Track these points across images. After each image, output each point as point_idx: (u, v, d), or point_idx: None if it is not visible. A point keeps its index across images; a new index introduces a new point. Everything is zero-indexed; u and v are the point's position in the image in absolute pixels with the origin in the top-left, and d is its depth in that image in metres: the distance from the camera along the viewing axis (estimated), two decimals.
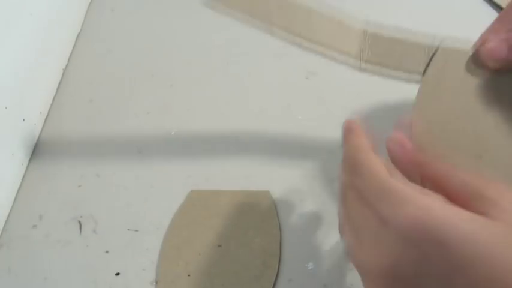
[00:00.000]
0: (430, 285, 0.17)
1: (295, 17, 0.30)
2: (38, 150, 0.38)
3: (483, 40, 0.28)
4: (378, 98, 0.44)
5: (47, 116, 0.42)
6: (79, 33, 0.52)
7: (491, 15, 0.57)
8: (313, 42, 0.30)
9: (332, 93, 0.44)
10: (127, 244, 0.32)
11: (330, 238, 0.32)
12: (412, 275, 0.18)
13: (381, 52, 0.30)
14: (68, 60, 0.48)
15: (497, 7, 0.59)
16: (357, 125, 0.28)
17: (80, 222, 0.33)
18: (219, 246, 0.31)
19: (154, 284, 0.29)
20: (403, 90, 0.32)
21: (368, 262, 0.20)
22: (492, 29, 0.29)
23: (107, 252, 0.31)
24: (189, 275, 0.29)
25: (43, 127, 0.41)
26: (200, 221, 0.32)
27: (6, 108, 0.34)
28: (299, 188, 0.35)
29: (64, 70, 0.47)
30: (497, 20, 0.29)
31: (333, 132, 0.41)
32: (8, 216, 0.33)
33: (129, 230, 0.32)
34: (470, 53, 0.28)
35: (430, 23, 0.56)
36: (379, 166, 0.22)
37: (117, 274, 0.30)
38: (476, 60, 0.27)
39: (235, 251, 0.31)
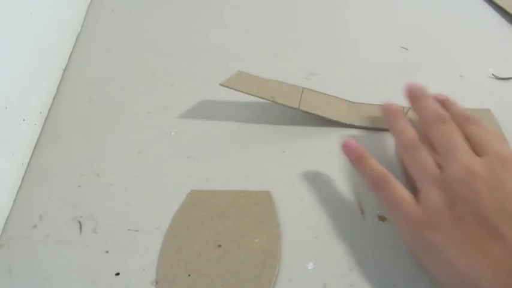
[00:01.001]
0: None
1: (291, 94, 0.40)
2: (38, 150, 0.38)
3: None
4: (378, 98, 0.44)
5: (47, 116, 0.42)
6: (79, 33, 0.52)
7: (491, 15, 0.57)
8: (309, 109, 0.40)
9: (332, 93, 0.44)
10: (127, 244, 0.32)
11: (330, 238, 0.32)
12: None
13: (363, 116, 0.41)
14: (68, 60, 0.48)
15: (497, 7, 0.59)
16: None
17: (80, 222, 0.33)
18: (219, 246, 0.31)
19: (154, 284, 0.29)
20: None
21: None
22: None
23: (107, 252, 0.31)
24: (189, 275, 0.29)
25: (43, 127, 0.41)
26: (200, 221, 0.32)
27: (6, 108, 0.34)
28: (299, 188, 0.35)
29: (64, 70, 0.47)
30: None
31: (333, 132, 0.41)
32: (8, 216, 0.33)
33: (129, 230, 0.32)
34: None
35: (430, 23, 0.56)
36: None
37: (117, 274, 0.30)
38: None
39: (235, 251, 0.31)
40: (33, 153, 0.38)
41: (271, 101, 0.39)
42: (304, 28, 0.54)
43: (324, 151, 0.38)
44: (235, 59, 0.49)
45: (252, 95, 0.39)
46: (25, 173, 0.36)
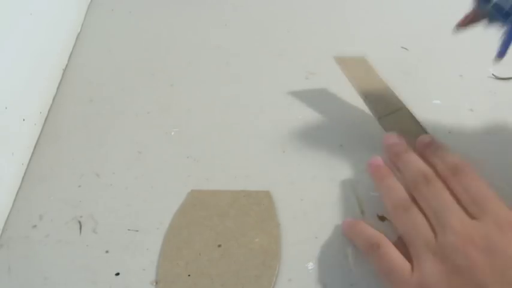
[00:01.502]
0: None
1: (387, 103, 0.39)
2: (38, 150, 0.38)
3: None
4: None
5: (47, 116, 0.42)
6: (79, 33, 0.52)
7: None
8: (389, 128, 0.38)
9: (332, 93, 0.44)
10: (127, 244, 0.32)
11: (330, 238, 0.32)
12: None
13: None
14: (68, 60, 0.48)
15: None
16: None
17: (80, 222, 0.33)
18: (219, 246, 0.31)
19: (154, 284, 0.29)
20: None
21: None
22: None
23: (107, 252, 0.31)
24: (189, 275, 0.29)
25: (43, 127, 0.41)
26: (200, 221, 0.32)
27: (6, 108, 0.34)
28: (299, 188, 0.35)
29: (64, 70, 0.47)
30: None
31: (333, 132, 0.41)
32: (8, 216, 0.33)
33: (129, 230, 0.32)
34: None
35: (430, 23, 0.56)
36: None
37: (117, 274, 0.30)
38: None
39: (235, 251, 0.31)
40: (33, 153, 0.38)
41: (363, 99, 0.38)
42: (304, 28, 0.54)
43: (324, 151, 0.38)
44: (235, 59, 0.49)
45: (351, 84, 0.38)
46: (25, 173, 0.36)
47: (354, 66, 0.40)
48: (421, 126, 0.37)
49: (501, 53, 0.31)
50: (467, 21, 0.34)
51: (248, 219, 0.32)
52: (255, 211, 0.33)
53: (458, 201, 0.27)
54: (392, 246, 0.28)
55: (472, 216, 0.26)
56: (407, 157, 0.32)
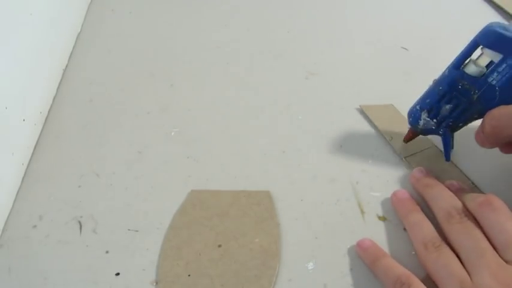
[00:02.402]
0: None
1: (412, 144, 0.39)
2: (38, 150, 0.38)
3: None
4: (378, 97, 0.44)
5: (47, 116, 0.42)
6: (79, 33, 0.52)
7: (491, 15, 0.57)
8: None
9: (332, 93, 0.44)
10: (127, 244, 0.32)
11: (330, 238, 0.32)
12: None
13: None
14: (68, 60, 0.48)
15: (498, 7, 0.59)
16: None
17: (80, 222, 0.33)
18: (219, 246, 0.31)
19: (154, 284, 0.29)
20: None
21: None
22: None
23: (107, 252, 0.31)
24: (189, 275, 0.29)
25: (43, 127, 0.41)
26: (200, 221, 0.32)
27: (6, 108, 0.34)
28: (299, 188, 0.35)
29: (64, 70, 0.47)
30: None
31: (333, 132, 0.41)
32: (8, 216, 0.33)
33: (129, 230, 0.32)
34: None
35: (430, 23, 0.56)
36: None
37: (117, 274, 0.30)
38: None
39: (235, 251, 0.31)
40: (33, 153, 0.38)
41: (388, 140, 0.39)
42: (304, 28, 0.54)
43: (324, 151, 0.38)
44: (235, 59, 0.49)
45: (377, 129, 0.40)
46: (25, 173, 0.36)
47: (380, 112, 0.41)
48: (454, 165, 0.37)
49: (447, 157, 0.36)
50: (409, 137, 0.37)
51: (248, 219, 0.32)
52: (255, 211, 0.33)
53: (491, 241, 0.26)
54: (421, 284, 0.26)
55: (505, 259, 0.25)
56: (439, 190, 0.31)
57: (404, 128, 0.38)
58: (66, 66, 0.47)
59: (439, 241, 0.27)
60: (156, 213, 0.33)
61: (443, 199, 0.30)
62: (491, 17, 0.57)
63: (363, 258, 0.30)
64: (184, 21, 0.54)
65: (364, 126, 0.41)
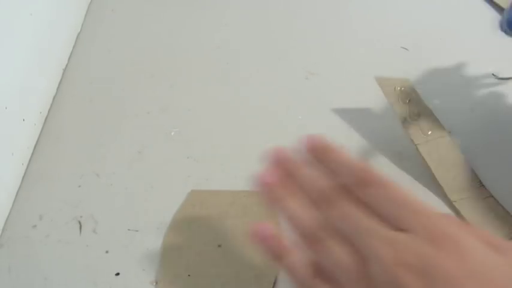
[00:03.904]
0: None
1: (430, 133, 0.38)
2: (38, 150, 0.38)
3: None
4: (378, 97, 0.44)
5: (47, 116, 0.42)
6: (79, 33, 0.52)
7: (491, 15, 0.57)
8: (425, 156, 0.37)
9: (332, 93, 0.44)
10: (127, 244, 0.32)
11: None
12: None
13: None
14: (68, 60, 0.48)
15: (497, 7, 0.59)
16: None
17: (80, 222, 0.33)
18: (219, 246, 0.31)
19: (154, 284, 0.29)
20: None
21: None
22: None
23: (107, 252, 0.31)
24: (189, 275, 0.29)
25: (43, 127, 0.41)
26: (200, 221, 0.32)
27: (6, 108, 0.34)
28: None
29: (64, 70, 0.47)
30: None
31: (333, 132, 0.41)
32: (8, 216, 0.33)
33: (129, 230, 0.32)
34: None
35: (430, 23, 0.56)
36: None
37: (117, 274, 0.30)
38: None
39: (235, 251, 0.31)
40: (33, 153, 0.38)
41: (402, 122, 0.37)
42: (304, 28, 0.54)
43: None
44: (235, 59, 0.49)
45: (391, 104, 0.38)
46: (25, 173, 0.36)
47: (395, 88, 0.39)
48: (461, 155, 0.37)
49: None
50: None
51: (248, 218, 0.32)
52: (255, 211, 0.33)
53: (378, 216, 0.21)
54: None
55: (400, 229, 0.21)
56: (300, 171, 0.25)
57: (421, 107, 0.37)
58: (66, 66, 0.47)
59: (320, 232, 0.22)
60: (156, 213, 0.33)
61: (308, 184, 0.24)
62: (492, 17, 0.57)
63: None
64: (185, 21, 0.54)
65: (364, 126, 0.41)
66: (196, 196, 0.34)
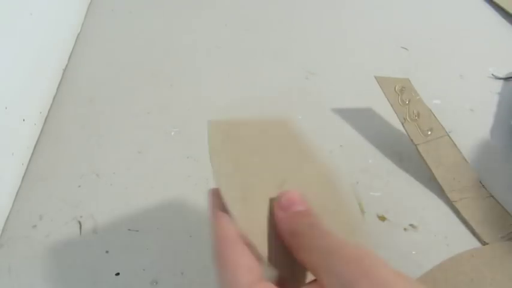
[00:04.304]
0: None
1: (428, 130, 0.38)
2: (38, 150, 0.38)
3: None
4: (378, 97, 0.44)
5: (47, 116, 0.42)
6: (79, 33, 0.52)
7: (491, 15, 0.57)
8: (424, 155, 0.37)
9: (332, 93, 0.44)
10: (127, 244, 0.32)
11: None
12: None
13: None
14: (68, 60, 0.48)
15: (497, 7, 0.59)
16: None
17: (80, 222, 0.33)
18: (283, 181, 0.23)
19: (155, 284, 0.29)
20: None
21: None
22: None
23: (107, 252, 0.31)
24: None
25: (43, 127, 0.41)
26: (244, 158, 0.25)
27: (6, 108, 0.34)
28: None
29: (64, 70, 0.47)
30: None
31: (333, 132, 0.41)
32: (8, 216, 0.33)
33: (129, 230, 0.32)
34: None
35: (430, 23, 0.56)
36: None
37: (117, 274, 0.30)
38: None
39: (301, 182, 0.24)
40: (33, 153, 0.38)
41: (401, 122, 0.37)
42: (304, 28, 0.54)
43: (324, 151, 0.38)
44: (235, 59, 0.49)
45: (391, 104, 0.38)
46: (25, 173, 0.36)
47: (395, 88, 0.39)
48: (462, 155, 0.37)
49: None
50: None
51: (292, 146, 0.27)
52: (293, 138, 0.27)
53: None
54: None
55: None
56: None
57: (420, 107, 0.37)
58: (66, 66, 0.47)
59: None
60: (156, 213, 0.33)
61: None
62: (492, 17, 0.57)
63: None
64: (185, 21, 0.54)
65: (364, 126, 0.41)
66: (221, 129, 0.27)
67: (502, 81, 0.46)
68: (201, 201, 0.35)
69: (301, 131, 0.28)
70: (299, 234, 0.19)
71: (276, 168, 0.25)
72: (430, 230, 0.33)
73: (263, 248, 0.20)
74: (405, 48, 0.50)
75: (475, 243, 0.33)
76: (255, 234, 0.20)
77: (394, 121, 0.40)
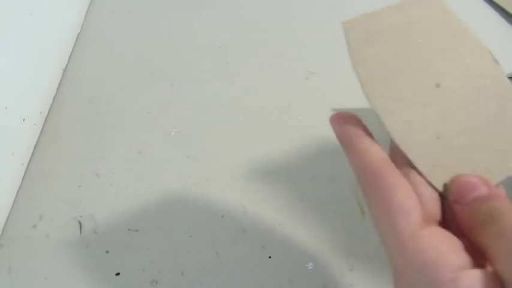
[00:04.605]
0: None
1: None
2: (38, 150, 0.38)
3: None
4: None
5: (47, 116, 0.42)
6: (79, 33, 0.52)
7: (491, 15, 0.57)
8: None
9: (332, 93, 0.44)
10: (127, 244, 0.32)
11: (330, 238, 0.32)
12: None
13: None
14: (68, 60, 0.48)
15: (497, 7, 0.59)
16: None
17: (80, 222, 0.33)
18: (437, 85, 0.21)
19: (155, 284, 0.29)
20: None
21: None
22: None
23: (107, 252, 0.31)
24: (438, 138, 0.20)
25: (43, 127, 0.41)
26: (390, 57, 0.23)
27: (6, 108, 0.34)
28: (299, 188, 0.35)
29: (64, 70, 0.47)
30: None
31: (333, 132, 0.41)
32: (8, 216, 0.33)
33: (129, 230, 0.32)
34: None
35: None
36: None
37: (117, 274, 0.30)
38: None
39: (457, 87, 0.21)
40: (33, 153, 0.38)
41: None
42: (304, 28, 0.54)
43: (324, 151, 0.38)
44: (235, 59, 0.49)
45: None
46: (25, 173, 0.36)
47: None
48: None
49: None
50: None
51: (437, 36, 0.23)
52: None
53: None
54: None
55: None
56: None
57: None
58: (66, 66, 0.47)
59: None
60: (156, 213, 0.33)
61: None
62: (491, 17, 0.57)
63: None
64: (185, 21, 0.54)
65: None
66: (358, 28, 0.24)
67: None
68: (201, 201, 0.35)
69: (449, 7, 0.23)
70: (479, 227, 0.16)
71: (428, 65, 0.21)
72: None
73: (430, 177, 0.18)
74: None
75: None
76: (419, 158, 0.18)
77: None
